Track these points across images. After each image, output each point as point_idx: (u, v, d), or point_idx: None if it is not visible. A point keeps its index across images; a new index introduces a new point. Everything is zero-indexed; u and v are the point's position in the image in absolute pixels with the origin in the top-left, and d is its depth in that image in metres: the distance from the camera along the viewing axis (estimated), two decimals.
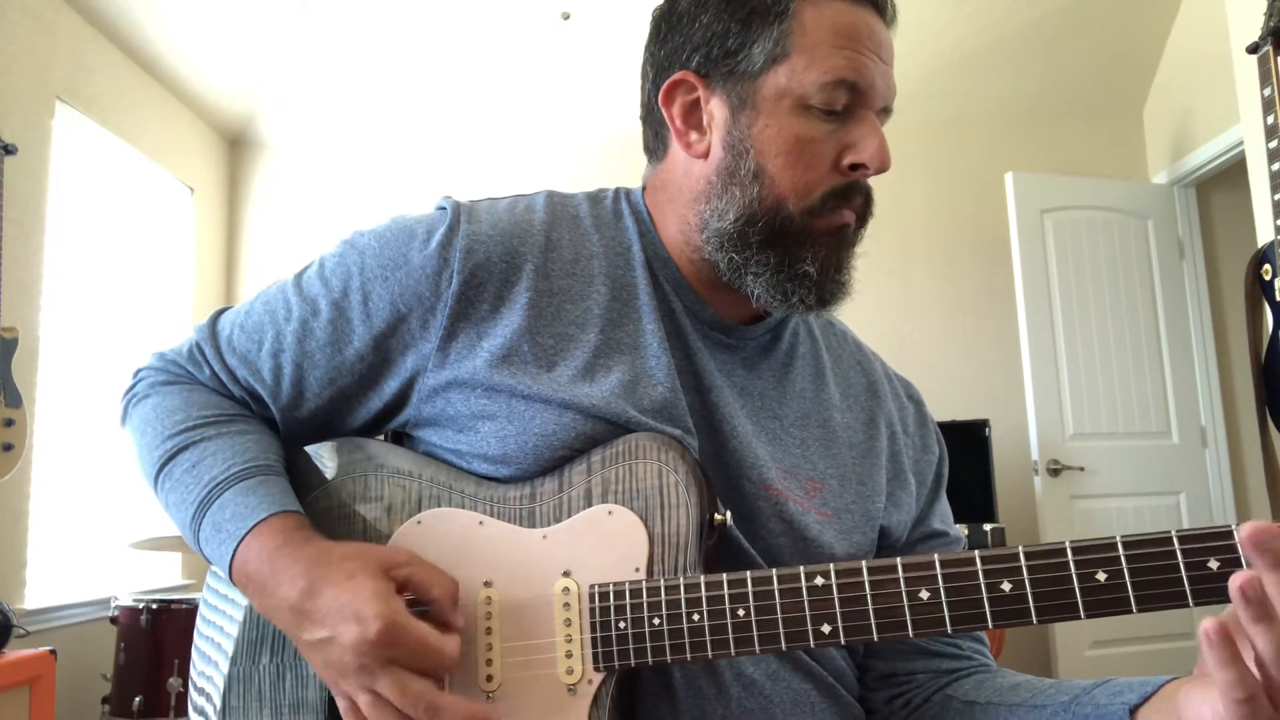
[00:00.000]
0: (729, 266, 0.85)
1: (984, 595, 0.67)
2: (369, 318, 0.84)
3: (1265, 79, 2.69)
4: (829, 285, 0.84)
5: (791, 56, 0.80)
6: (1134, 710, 0.71)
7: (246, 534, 0.76)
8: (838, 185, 0.82)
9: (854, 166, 0.82)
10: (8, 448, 2.77)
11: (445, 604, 0.74)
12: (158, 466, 0.85)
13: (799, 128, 0.81)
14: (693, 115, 0.86)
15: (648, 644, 0.73)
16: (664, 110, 0.86)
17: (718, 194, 0.84)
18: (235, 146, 4.53)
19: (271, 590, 0.74)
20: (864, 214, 0.85)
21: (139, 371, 0.94)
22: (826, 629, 0.70)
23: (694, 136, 0.86)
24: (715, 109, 0.84)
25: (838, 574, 0.71)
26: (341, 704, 0.72)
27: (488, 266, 0.83)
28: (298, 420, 0.89)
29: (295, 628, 0.73)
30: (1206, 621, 0.60)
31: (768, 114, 0.81)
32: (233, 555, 0.77)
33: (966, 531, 3.47)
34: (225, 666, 0.83)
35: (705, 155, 0.85)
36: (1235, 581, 0.59)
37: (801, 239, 0.82)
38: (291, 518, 0.78)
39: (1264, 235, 2.94)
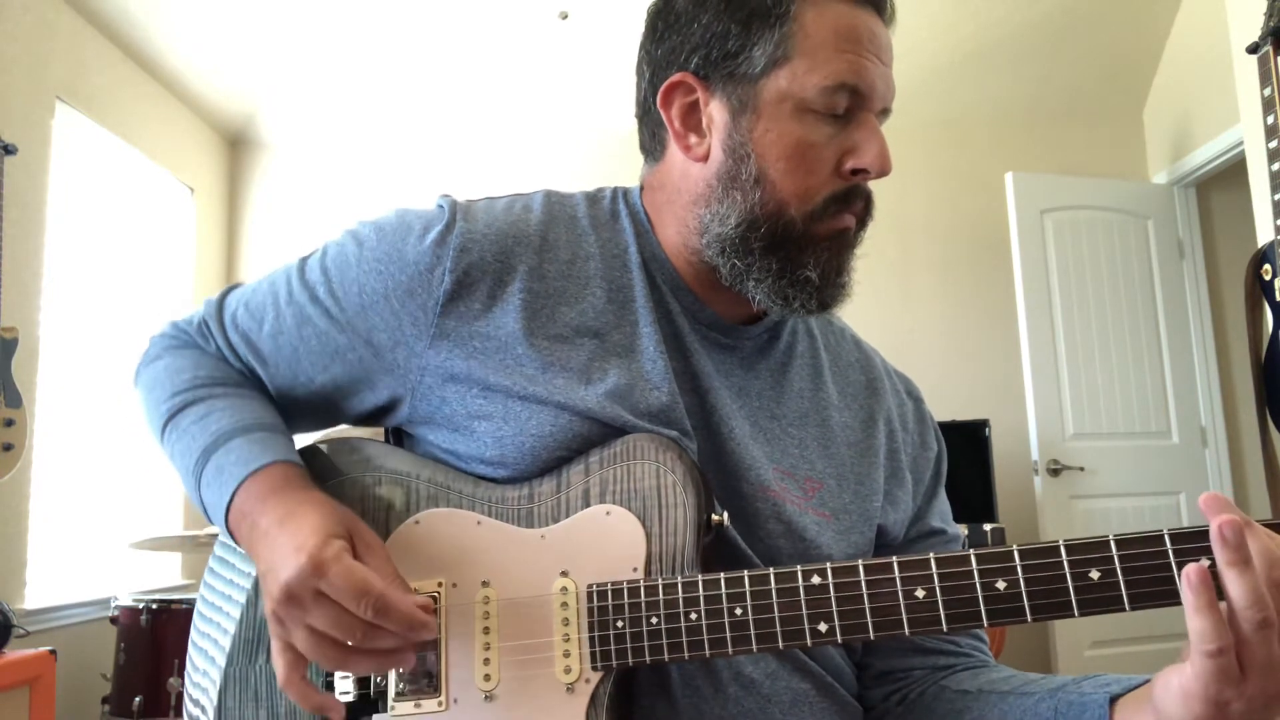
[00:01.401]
0: (731, 272, 0.84)
1: (979, 594, 0.68)
2: (363, 310, 0.84)
3: (1265, 79, 2.69)
4: (830, 289, 0.84)
5: (793, 59, 0.80)
6: (1115, 699, 0.72)
7: (248, 476, 0.78)
8: (839, 190, 0.82)
9: (855, 171, 0.82)
10: (8, 448, 2.77)
11: (391, 585, 0.71)
12: (166, 418, 0.87)
13: (800, 132, 0.80)
14: (691, 117, 0.85)
15: (645, 643, 0.73)
16: (662, 112, 0.86)
17: (718, 198, 0.83)
18: (235, 146, 4.53)
19: (255, 521, 0.75)
20: (864, 217, 0.85)
21: (154, 338, 0.97)
22: (823, 628, 0.70)
23: (693, 139, 0.85)
24: (715, 112, 0.84)
25: (834, 573, 0.71)
26: (276, 647, 0.71)
27: (481, 265, 0.83)
28: (294, 402, 0.90)
29: (260, 558, 0.74)
30: (1190, 566, 0.61)
31: (769, 118, 0.81)
32: (232, 495, 0.78)
33: (966, 531, 3.47)
34: (221, 667, 0.84)
35: (705, 158, 0.84)
36: (1214, 523, 0.60)
37: (803, 244, 0.82)
38: (294, 468, 0.80)
39: (1264, 235, 2.94)
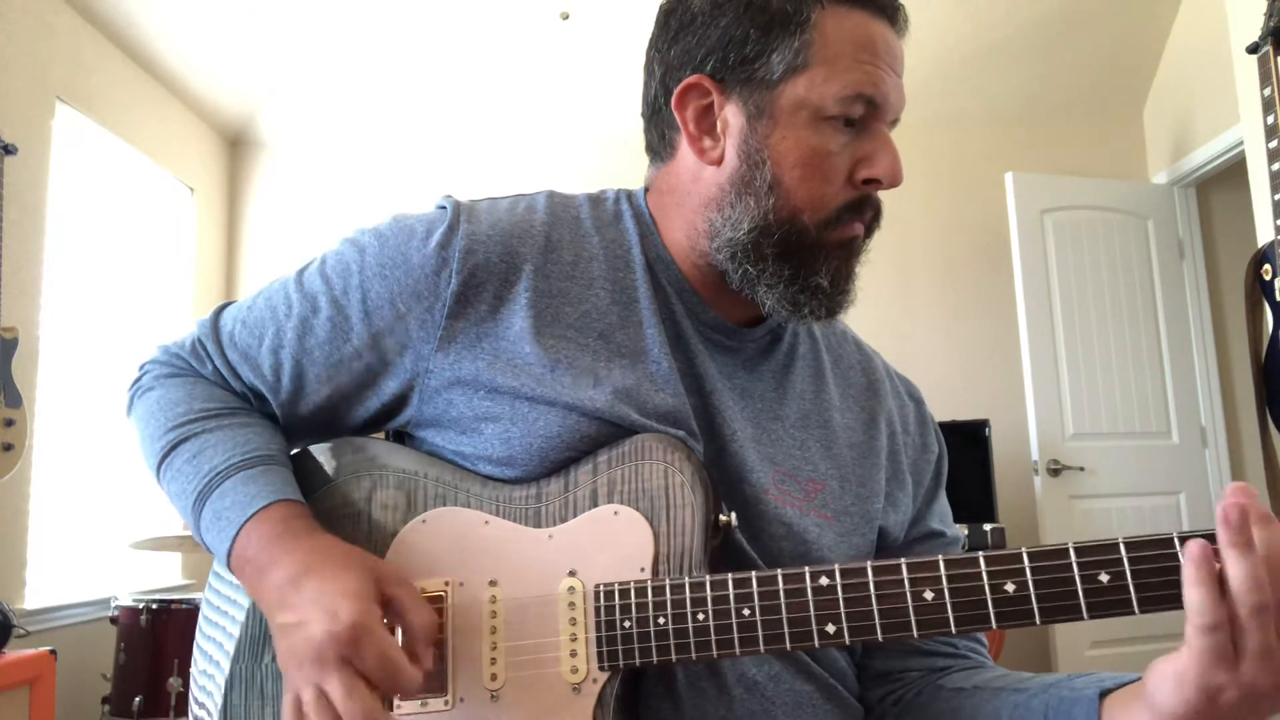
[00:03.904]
0: (742, 278, 0.84)
1: (988, 596, 0.68)
2: (367, 316, 0.84)
3: (1265, 79, 2.69)
4: (838, 296, 0.85)
5: (811, 68, 0.80)
6: (1105, 694, 0.72)
7: (246, 521, 0.77)
8: (852, 199, 0.83)
9: (867, 180, 0.82)
10: (8, 448, 2.77)
11: (420, 637, 0.73)
12: (160, 457, 0.86)
13: (816, 140, 0.81)
14: (706, 120, 0.85)
15: (653, 643, 0.73)
16: (676, 113, 0.85)
17: (730, 203, 0.83)
18: (235, 146, 4.53)
19: (265, 573, 0.74)
20: (871, 226, 0.86)
21: (144, 364, 0.95)
22: (831, 629, 0.70)
23: (708, 143, 0.85)
24: (730, 116, 0.83)
25: (843, 574, 0.71)
26: (286, 699, 0.71)
27: (487, 267, 0.83)
28: (299, 417, 0.89)
29: (275, 609, 0.73)
30: (1192, 540, 0.62)
31: (785, 125, 0.81)
32: (232, 542, 0.77)
33: (966, 531, 3.47)
34: (227, 665, 0.84)
35: (718, 162, 0.84)
36: (1222, 506, 0.61)
37: (815, 251, 0.83)
38: (292, 506, 0.79)
39: (1264, 235, 2.95)
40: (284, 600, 0.72)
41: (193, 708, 0.88)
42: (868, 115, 0.81)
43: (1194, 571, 0.61)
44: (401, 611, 0.73)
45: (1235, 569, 0.60)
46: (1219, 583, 0.61)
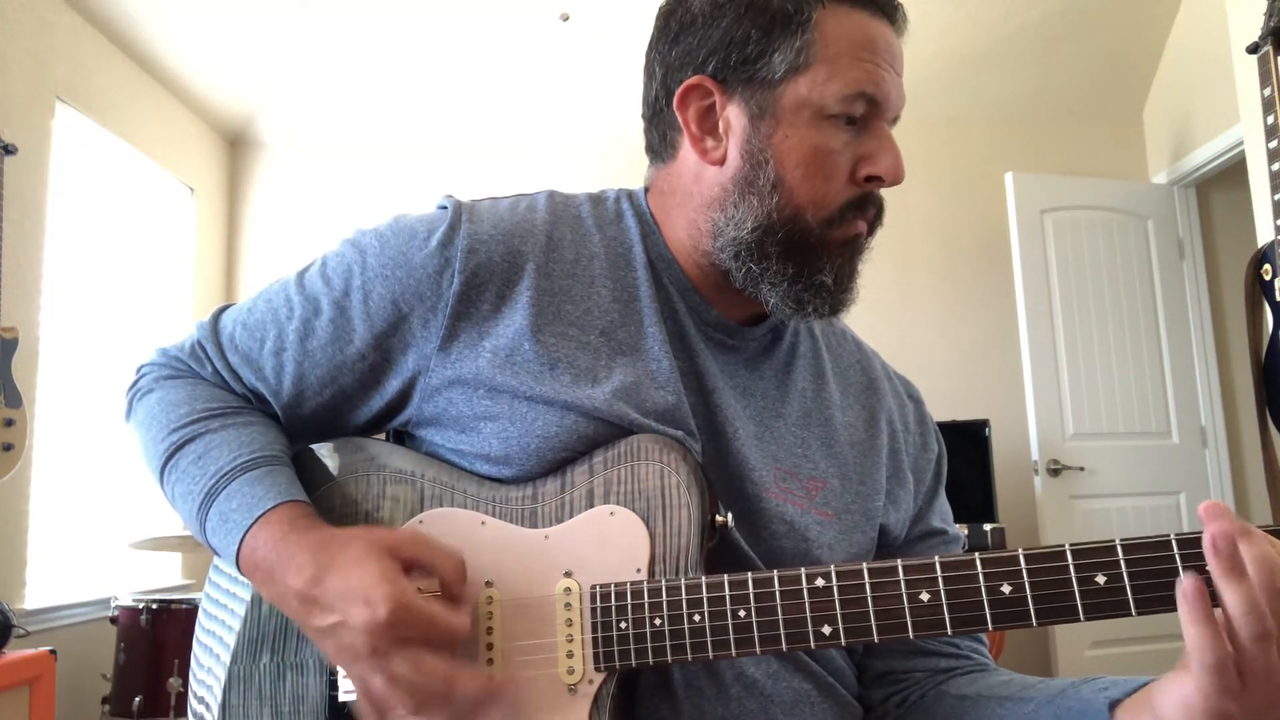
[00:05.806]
0: (746, 277, 0.85)
1: (984, 597, 0.68)
2: (370, 317, 0.84)
3: (1265, 79, 2.69)
4: (841, 294, 0.85)
5: (812, 67, 0.80)
6: (1115, 704, 0.72)
7: (253, 524, 0.77)
8: (854, 197, 0.83)
9: (870, 178, 0.82)
10: (8, 448, 2.77)
11: (453, 580, 0.74)
12: (163, 460, 0.85)
13: (818, 139, 0.81)
14: (708, 120, 0.85)
15: (648, 644, 0.73)
16: (679, 114, 0.85)
17: (734, 202, 0.84)
18: (235, 146, 4.53)
19: (279, 579, 0.74)
20: (874, 224, 0.86)
21: (142, 367, 0.94)
22: (827, 630, 0.70)
23: (710, 143, 0.85)
24: (732, 116, 0.84)
25: (838, 575, 0.71)
26: (357, 689, 0.71)
27: (489, 266, 0.83)
28: (300, 418, 0.89)
29: (304, 615, 0.73)
30: (1186, 577, 0.61)
31: (788, 124, 0.81)
32: (240, 545, 0.77)
33: (966, 531, 3.47)
34: (225, 665, 0.84)
35: (721, 162, 0.85)
36: (1208, 533, 0.61)
37: (818, 250, 0.83)
38: (298, 506, 0.79)
39: (1264, 235, 2.95)
40: (312, 602, 0.72)
41: (192, 704, 0.88)
42: (869, 114, 0.82)
43: (1190, 610, 0.60)
44: (427, 567, 0.74)
45: (1232, 598, 0.60)
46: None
